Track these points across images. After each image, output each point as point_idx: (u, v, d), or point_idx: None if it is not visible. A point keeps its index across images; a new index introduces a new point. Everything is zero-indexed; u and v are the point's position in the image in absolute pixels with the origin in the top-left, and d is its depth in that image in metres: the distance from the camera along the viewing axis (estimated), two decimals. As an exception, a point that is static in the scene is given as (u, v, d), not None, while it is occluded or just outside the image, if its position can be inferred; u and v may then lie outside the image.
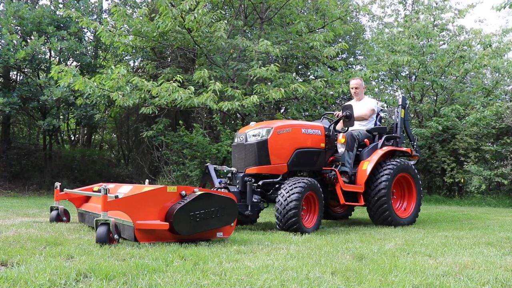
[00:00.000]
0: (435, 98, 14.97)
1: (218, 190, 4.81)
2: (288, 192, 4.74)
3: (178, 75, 8.87)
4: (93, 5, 14.02)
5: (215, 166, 5.36)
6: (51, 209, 5.26)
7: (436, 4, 15.13)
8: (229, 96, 9.09)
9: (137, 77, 8.96)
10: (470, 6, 14.81)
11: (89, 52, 14.40)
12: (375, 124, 6.33)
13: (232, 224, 3.98)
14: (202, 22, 9.03)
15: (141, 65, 14.38)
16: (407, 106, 6.62)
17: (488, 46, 13.37)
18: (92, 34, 14.20)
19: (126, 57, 14.28)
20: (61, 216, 5.21)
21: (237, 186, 5.09)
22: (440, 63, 14.08)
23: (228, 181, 5.32)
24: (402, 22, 15.59)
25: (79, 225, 4.92)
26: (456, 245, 3.94)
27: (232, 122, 12.86)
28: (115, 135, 18.70)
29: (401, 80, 16.01)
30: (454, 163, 12.83)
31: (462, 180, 12.65)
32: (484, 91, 14.07)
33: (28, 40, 12.26)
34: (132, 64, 15.29)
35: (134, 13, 13.27)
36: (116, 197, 3.56)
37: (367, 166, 5.68)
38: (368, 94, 13.98)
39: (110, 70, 9.21)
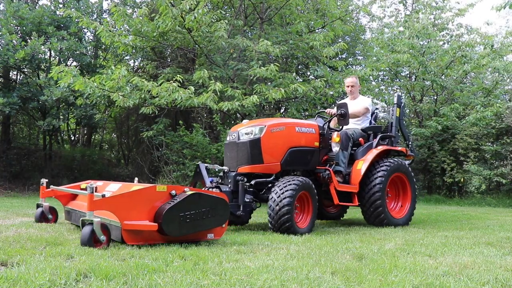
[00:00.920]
0: (435, 98, 14.98)
1: (210, 189, 4.65)
2: (281, 191, 4.64)
3: (178, 75, 8.87)
4: (93, 5, 14.02)
5: (206, 165, 5.22)
6: (37, 206, 5.09)
7: (436, 4, 15.14)
8: (229, 96, 9.10)
9: (137, 77, 8.96)
10: (470, 6, 14.81)
11: (89, 52, 14.39)
12: (370, 123, 6.24)
13: (224, 225, 3.86)
14: (202, 22, 9.03)
15: (141, 65, 14.39)
16: (402, 105, 6.52)
17: (490, 46, 13.36)
18: (92, 34, 14.20)
19: (126, 57, 14.27)
20: (46, 214, 5.01)
21: (229, 186, 4.98)
22: (441, 63, 14.09)
23: (220, 180, 5.20)
24: (402, 22, 15.59)
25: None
26: (456, 245, 3.94)
27: (232, 122, 12.87)
28: (115, 135, 18.69)
29: (401, 80, 16.02)
30: (454, 163, 12.83)
31: (462, 180, 12.66)
32: (484, 91, 14.07)
33: (28, 40, 12.25)
34: (132, 64, 15.30)
35: (134, 13, 13.27)
36: (103, 196, 3.42)
37: (361, 165, 5.60)
38: (367, 94, 14.01)
39: (110, 70, 9.21)
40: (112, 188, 4.29)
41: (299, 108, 11.01)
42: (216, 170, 5.32)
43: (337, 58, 12.53)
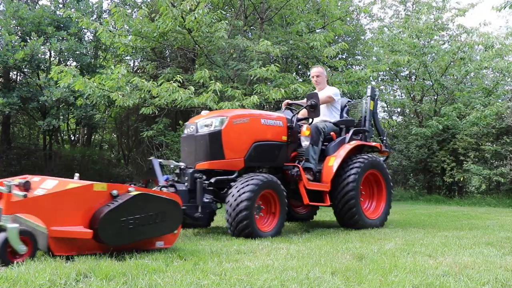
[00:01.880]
0: (435, 98, 14.99)
1: (162, 189, 4.10)
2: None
3: (178, 75, 8.88)
4: (94, 6, 14.02)
5: (160, 160, 4.61)
6: None
7: (436, 3, 15.15)
8: (229, 96, 9.10)
9: (137, 77, 8.97)
10: (471, 6, 14.81)
11: (89, 52, 14.39)
12: (342, 117, 5.82)
13: (176, 232, 3.36)
14: (203, 22, 9.04)
15: (141, 65, 14.39)
16: (376, 97, 6.07)
17: (490, 47, 13.36)
18: (92, 34, 14.21)
19: (127, 57, 14.28)
20: None
21: (186, 184, 4.42)
22: (441, 63, 14.09)
23: (176, 178, 4.64)
24: (402, 22, 15.60)
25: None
26: (456, 245, 3.94)
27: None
28: (115, 135, 18.70)
29: (401, 80, 16.03)
30: (454, 162, 12.84)
31: (461, 179, 12.66)
32: (484, 91, 14.09)
33: (28, 41, 12.26)
34: (132, 64, 15.30)
35: (134, 13, 13.27)
36: (25, 196, 2.85)
37: (333, 162, 5.15)
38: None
39: (110, 70, 9.22)
40: (48, 185, 3.49)
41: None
42: (172, 166, 4.78)
43: (337, 58, 12.53)
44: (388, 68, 13.42)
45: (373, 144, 5.81)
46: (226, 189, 4.48)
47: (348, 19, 13.87)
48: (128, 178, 14.41)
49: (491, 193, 12.98)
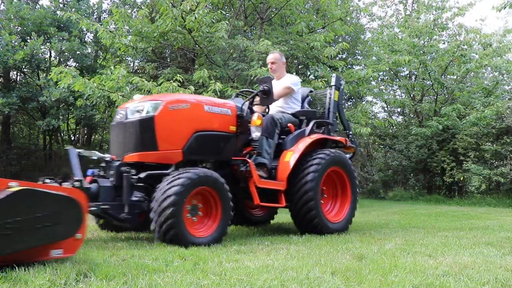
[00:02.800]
0: (435, 98, 15.00)
1: (58, 184, 3.24)
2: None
3: (178, 75, 8.88)
4: (94, 6, 14.03)
5: (80, 150, 3.77)
6: None
7: (436, 3, 15.16)
8: (229, 96, 9.09)
9: (137, 77, 8.97)
10: (470, 5, 14.83)
11: (89, 53, 14.40)
12: (303, 108, 5.24)
13: (78, 236, 2.69)
14: (203, 23, 9.04)
15: (141, 65, 14.39)
16: (342, 87, 5.45)
17: (488, 46, 13.38)
18: (92, 34, 14.22)
19: (128, 58, 14.29)
20: None
21: (111, 179, 3.77)
22: (441, 62, 14.10)
23: (103, 172, 3.96)
24: (402, 22, 15.61)
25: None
26: (456, 245, 3.94)
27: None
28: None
29: (401, 80, 16.04)
30: (453, 162, 12.84)
31: (461, 179, 12.67)
32: (484, 91, 14.10)
33: (28, 41, 12.27)
34: (132, 65, 15.30)
35: (134, 13, 13.27)
36: None
37: (290, 157, 4.54)
38: (367, 95, 13.96)
39: (110, 70, 9.22)
40: None
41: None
42: (94, 158, 3.99)
43: (337, 58, 12.54)
44: (388, 68, 13.43)
45: (337, 138, 5.21)
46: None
47: (348, 19, 13.87)
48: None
49: (491, 193, 12.99)
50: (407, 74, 16.29)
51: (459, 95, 14.34)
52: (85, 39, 14.03)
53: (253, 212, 5.52)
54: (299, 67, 14.17)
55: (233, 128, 4.33)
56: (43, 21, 12.35)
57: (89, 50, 14.14)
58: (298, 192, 4.48)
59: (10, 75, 14.40)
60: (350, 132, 5.56)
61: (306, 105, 5.32)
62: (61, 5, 13.48)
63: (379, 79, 16.27)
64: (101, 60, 15.10)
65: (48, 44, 12.54)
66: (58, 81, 9.24)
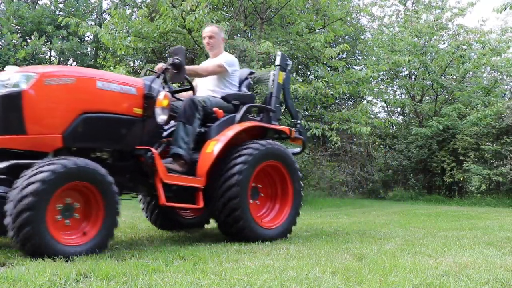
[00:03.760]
0: (435, 98, 15.01)
1: None
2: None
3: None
4: (93, 5, 14.03)
5: None
6: None
7: (436, 3, 15.17)
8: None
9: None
10: (470, 4, 14.83)
11: (89, 53, 14.41)
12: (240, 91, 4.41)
13: None
14: (203, 23, 9.04)
15: (141, 65, 14.39)
16: (288, 68, 4.56)
17: (486, 43, 13.39)
18: (92, 34, 14.22)
19: (128, 58, 14.28)
20: None
21: None
22: (441, 62, 14.10)
23: None
24: (402, 22, 15.61)
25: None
26: (456, 245, 3.94)
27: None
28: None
29: (401, 80, 16.05)
30: (453, 162, 12.85)
31: (461, 179, 12.67)
32: (483, 91, 14.11)
33: (28, 40, 12.27)
34: (132, 64, 15.30)
35: (134, 13, 13.28)
36: None
37: (213, 147, 3.74)
38: (367, 95, 13.87)
39: (109, 70, 9.22)
40: None
41: (299, 108, 11.01)
42: None
43: (337, 58, 12.53)
44: (388, 68, 13.43)
45: (279, 127, 4.35)
46: None
47: (348, 19, 13.86)
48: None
49: (491, 193, 12.99)
50: (407, 74, 16.29)
51: (459, 95, 14.35)
52: (85, 39, 14.02)
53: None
54: (299, 67, 14.16)
55: (138, 111, 3.48)
56: (42, 20, 12.36)
57: (89, 49, 14.14)
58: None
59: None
60: (298, 122, 4.70)
61: (244, 88, 4.46)
62: (61, 5, 13.47)
63: (379, 79, 16.27)
64: (101, 60, 15.10)
65: (49, 43, 12.55)
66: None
